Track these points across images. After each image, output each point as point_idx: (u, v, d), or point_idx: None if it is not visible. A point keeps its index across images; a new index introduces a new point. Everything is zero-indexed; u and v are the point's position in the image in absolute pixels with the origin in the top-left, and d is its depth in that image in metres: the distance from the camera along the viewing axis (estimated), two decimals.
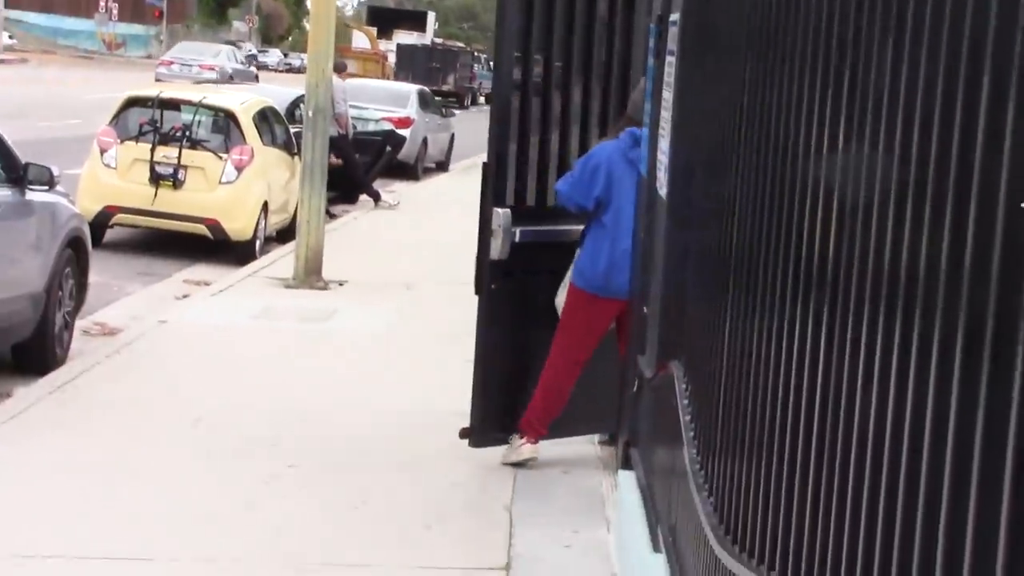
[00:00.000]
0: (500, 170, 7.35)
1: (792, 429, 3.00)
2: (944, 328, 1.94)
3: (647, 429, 6.17)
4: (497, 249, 7.31)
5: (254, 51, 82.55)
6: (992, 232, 1.74)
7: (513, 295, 7.49)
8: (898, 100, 2.26)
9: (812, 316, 2.89)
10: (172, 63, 50.98)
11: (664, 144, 6.27)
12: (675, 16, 6.16)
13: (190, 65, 50.04)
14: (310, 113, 13.37)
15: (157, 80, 37.37)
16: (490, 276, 7.36)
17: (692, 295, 5.02)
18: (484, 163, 7.37)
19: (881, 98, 2.37)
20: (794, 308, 3.08)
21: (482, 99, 59.98)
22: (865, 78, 2.52)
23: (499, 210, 7.30)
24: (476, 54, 64.25)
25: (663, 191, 6.13)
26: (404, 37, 63.87)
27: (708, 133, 5.05)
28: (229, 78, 45.35)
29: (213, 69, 49.77)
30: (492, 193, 7.29)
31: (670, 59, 6.24)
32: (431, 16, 72.28)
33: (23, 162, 9.25)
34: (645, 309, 6.46)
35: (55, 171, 9.42)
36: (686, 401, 4.84)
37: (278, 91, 20.63)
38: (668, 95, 6.23)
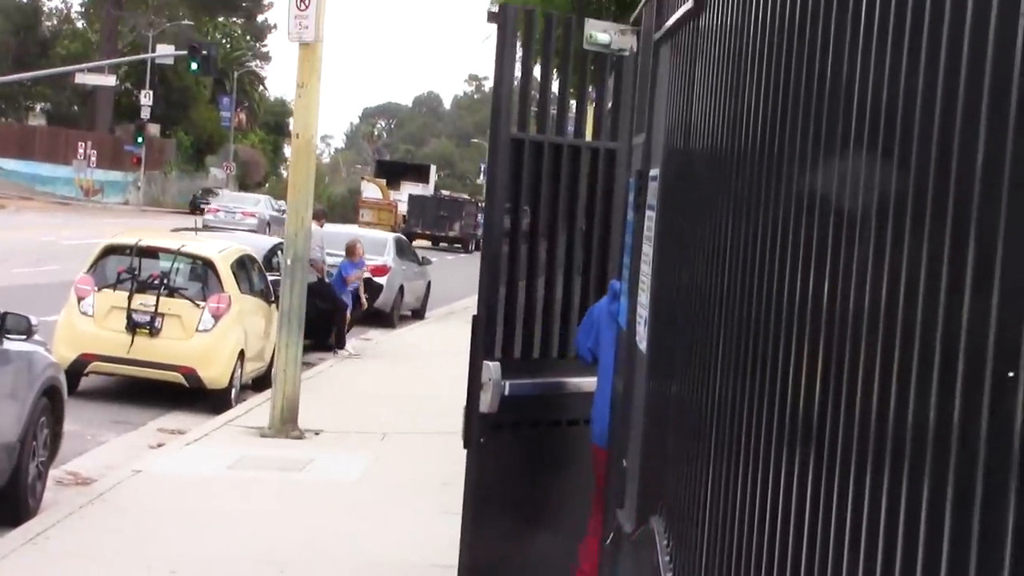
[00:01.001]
0: (490, 322, 7.30)
1: None
2: (932, 480, 1.95)
3: None
4: (487, 403, 7.21)
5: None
6: (980, 405, 1.75)
7: (502, 448, 7.38)
8: (870, 263, 2.29)
9: (796, 471, 2.89)
10: (218, 210, 55.68)
11: (644, 298, 6.31)
12: (654, 171, 6.26)
13: (233, 212, 54.97)
14: (288, 261, 13.43)
15: (206, 226, 39.61)
16: (480, 429, 7.26)
17: (672, 449, 5.01)
18: (474, 316, 7.33)
19: (864, 270, 2.40)
20: (778, 462, 3.08)
21: None
22: (844, 245, 2.55)
23: (489, 363, 7.23)
24: (479, 204, 68.53)
25: (642, 344, 6.16)
26: (411, 187, 69.44)
27: (687, 287, 5.08)
28: (267, 224, 51.89)
29: (254, 215, 54.92)
30: (482, 345, 7.23)
31: (650, 213, 6.32)
32: (432, 168, 79.52)
33: (1, 311, 9.24)
34: (624, 463, 6.44)
35: (33, 321, 9.42)
36: (667, 558, 4.81)
37: (257, 239, 20.74)
38: (648, 249, 6.29)
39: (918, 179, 2.06)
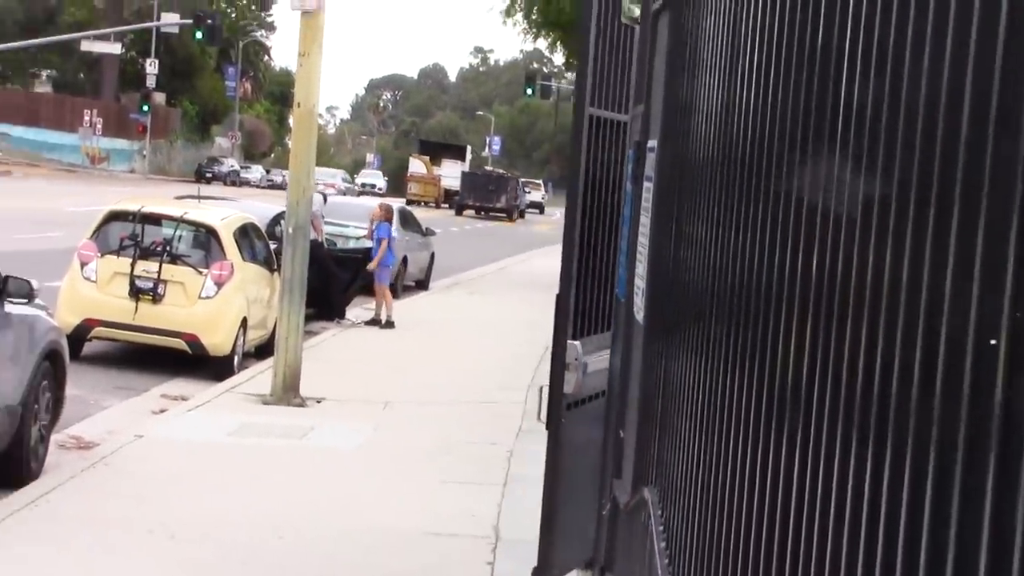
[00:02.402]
0: (575, 301, 7.18)
1: (766, 557, 3.02)
2: (915, 447, 1.98)
3: (622, 555, 6.16)
4: (572, 383, 7.14)
5: (236, 166, 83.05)
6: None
7: (580, 427, 7.34)
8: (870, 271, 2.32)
9: (786, 442, 2.92)
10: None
11: (641, 268, 6.34)
12: (652, 143, 6.28)
13: (317, 183, 60.22)
14: (290, 230, 13.47)
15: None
16: (561, 409, 7.19)
17: (667, 420, 5.05)
18: (558, 295, 7.25)
19: (853, 244, 2.43)
20: (768, 432, 3.11)
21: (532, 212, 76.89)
22: (835, 221, 2.58)
23: (574, 343, 7.13)
24: (520, 180, 78.95)
25: (640, 315, 6.20)
26: (449, 164, 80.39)
27: (685, 258, 5.11)
28: (343, 193, 60.47)
29: (333, 186, 62.81)
30: (566, 325, 7.16)
31: (648, 184, 6.34)
32: (468, 148, 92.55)
33: (2, 275, 9.28)
34: (621, 433, 6.49)
35: (34, 284, 9.46)
36: (661, 527, 4.85)
37: (259, 207, 20.77)
38: (645, 220, 6.32)
39: (917, 159, 2.09)
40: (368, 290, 22.63)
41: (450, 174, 78.28)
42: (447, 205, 75.92)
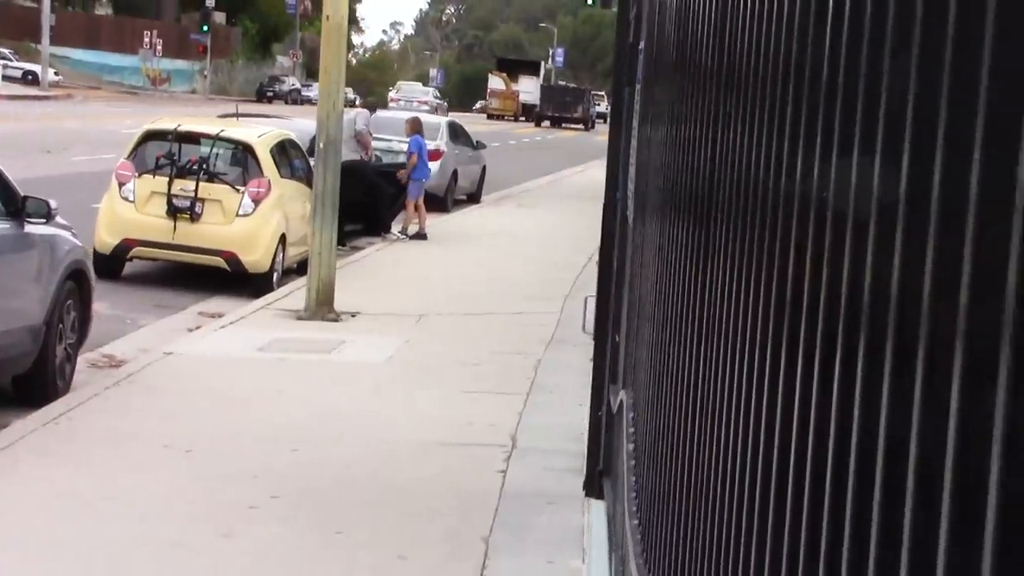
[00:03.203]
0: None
1: (717, 470, 2.97)
2: (893, 373, 1.91)
3: (615, 458, 6.14)
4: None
5: (297, 84, 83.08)
6: None
7: None
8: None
9: (729, 342, 2.86)
10: (399, 99, 76.47)
11: (632, 171, 6.27)
12: (642, 44, 6.17)
13: (411, 100, 76.46)
14: (321, 144, 13.44)
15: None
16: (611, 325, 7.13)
17: (634, 322, 5.00)
18: (604, 206, 7.16)
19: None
20: (717, 335, 3.05)
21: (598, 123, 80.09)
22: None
23: None
24: (593, 93, 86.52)
25: (630, 216, 6.13)
26: (526, 80, 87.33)
27: (657, 164, 5.03)
28: (435, 109, 71.64)
29: (425, 103, 75.35)
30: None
31: (638, 87, 6.26)
32: (543, 64, 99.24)
33: (21, 195, 9.33)
34: (616, 338, 6.45)
35: (53, 204, 9.50)
36: (631, 429, 4.82)
37: (302, 124, 20.74)
38: (634, 123, 6.24)
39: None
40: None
41: (526, 89, 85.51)
42: (523, 118, 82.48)
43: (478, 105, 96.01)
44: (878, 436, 1.61)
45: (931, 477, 1.29)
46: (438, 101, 78.15)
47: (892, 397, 1.51)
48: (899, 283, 1.48)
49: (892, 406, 1.50)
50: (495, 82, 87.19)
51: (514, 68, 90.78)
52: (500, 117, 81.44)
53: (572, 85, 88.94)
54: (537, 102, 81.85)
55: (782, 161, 2.38)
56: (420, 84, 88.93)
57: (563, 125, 77.30)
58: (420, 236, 20.43)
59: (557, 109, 78.90)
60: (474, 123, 70.85)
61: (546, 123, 77.58)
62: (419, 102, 74.29)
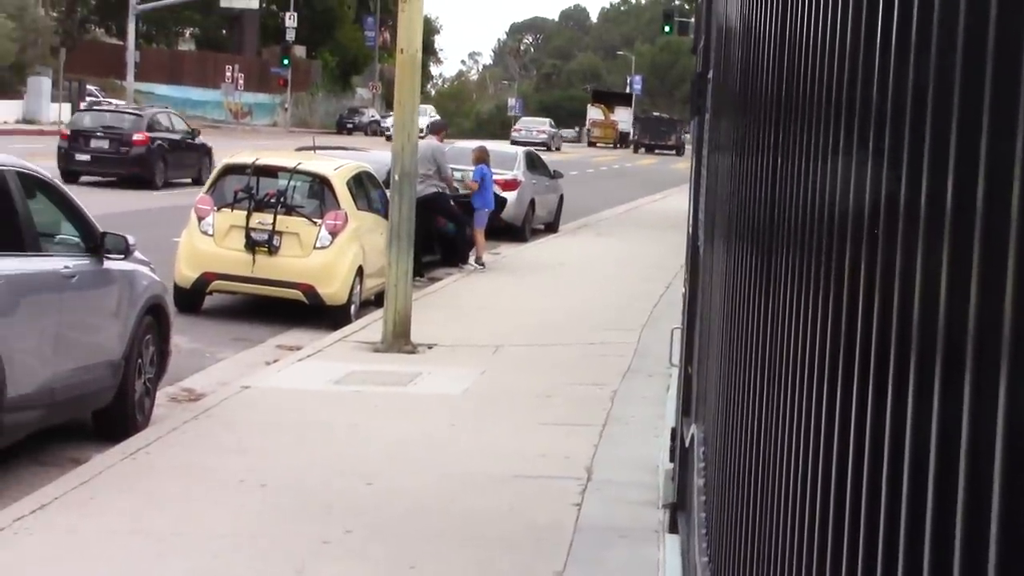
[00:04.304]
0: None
1: (785, 508, 2.92)
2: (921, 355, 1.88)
3: (688, 493, 6.08)
4: None
5: (376, 116, 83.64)
6: None
7: None
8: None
9: (808, 375, 2.81)
10: (521, 129, 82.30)
11: (703, 202, 6.23)
12: (711, 74, 6.13)
13: (531, 130, 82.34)
14: (396, 177, 13.48)
15: (513, 143, 53.74)
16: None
17: (703, 354, 4.95)
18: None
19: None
20: (795, 366, 3.00)
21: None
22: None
23: None
24: (681, 122, 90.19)
25: (702, 247, 6.08)
26: (620, 110, 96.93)
27: (727, 191, 4.98)
28: (551, 139, 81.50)
29: (544, 132, 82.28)
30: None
31: (707, 116, 6.21)
32: (634, 96, 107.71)
33: (100, 231, 9.43)
34: (688, 369, 6.39)
35: (131, 240, 9.60)
36: (702, 464, 4.77)
37: (379, 156, 20.84)
38: (704, 151, 6.19)
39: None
40: (494, 234, 22.68)
41: (622, 118, 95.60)
42: (620, 145, 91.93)
43: (568, 133, 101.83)
44: (958, 474, 1.56)
45: (1015, 527, 1.24)
46: (553, 130, 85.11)
47: (972, 430, 1.45)
48: (976, 312, 1.43)
49: (973, 440, 1.44)
50: (595, 112, 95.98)
51: (609, 99, 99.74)
52: (598, 144, 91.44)
53: (666, 116, 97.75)
54: (630, 130, 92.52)
55: (848, 191, 2.33)
56: (539, 118, 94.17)
57: (656, 152, 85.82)
58: (479, 263, 20.59)
59: (653, 137, 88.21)
60: (566, 152, 74.64)
61: (642, 150, 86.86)
62: (538, 131, 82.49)
